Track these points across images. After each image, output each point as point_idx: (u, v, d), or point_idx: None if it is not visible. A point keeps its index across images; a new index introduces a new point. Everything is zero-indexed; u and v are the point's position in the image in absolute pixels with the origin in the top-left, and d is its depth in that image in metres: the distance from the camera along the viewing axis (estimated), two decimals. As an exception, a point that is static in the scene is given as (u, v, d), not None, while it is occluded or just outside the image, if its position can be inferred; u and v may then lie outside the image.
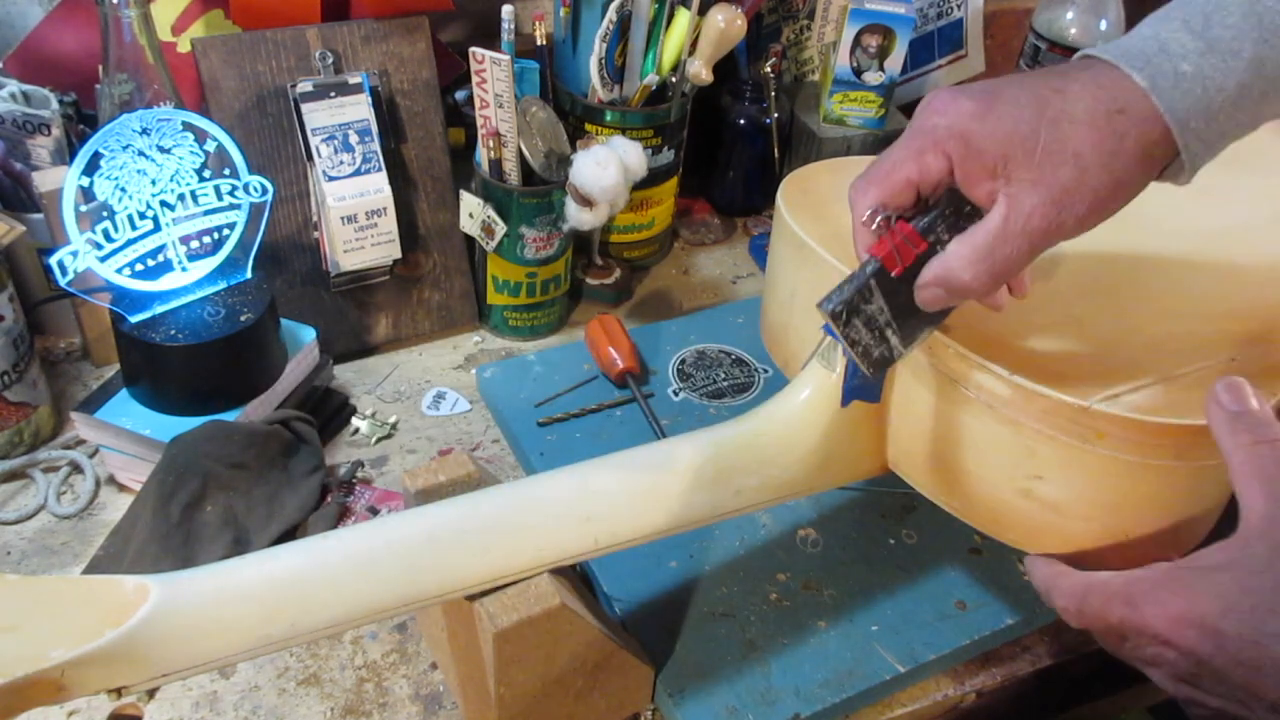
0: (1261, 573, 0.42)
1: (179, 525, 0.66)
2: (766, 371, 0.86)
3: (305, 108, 0.78)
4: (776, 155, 1.08)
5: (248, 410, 0.72)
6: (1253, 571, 0.43)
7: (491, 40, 0.82)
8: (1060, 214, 0.46)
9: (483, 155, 0.83)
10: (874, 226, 0.50)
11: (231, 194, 0.70)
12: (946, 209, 0.49)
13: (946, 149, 0.48)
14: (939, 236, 0.49)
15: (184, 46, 0.84)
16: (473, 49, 0.78)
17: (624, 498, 0.54)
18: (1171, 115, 0.45)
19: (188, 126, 0.67)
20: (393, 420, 0.82)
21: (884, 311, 0.50)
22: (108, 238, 0.65)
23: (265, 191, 0.71)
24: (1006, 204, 0.46)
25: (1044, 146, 0.45)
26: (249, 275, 0.73)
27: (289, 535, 0.70)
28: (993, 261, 0.47)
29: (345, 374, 0.86)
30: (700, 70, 0.88)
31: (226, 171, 0.70)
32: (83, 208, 0.64)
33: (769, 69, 1.04)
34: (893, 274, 0.50)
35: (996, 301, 0.52)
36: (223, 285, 0.72)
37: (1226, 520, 0.57)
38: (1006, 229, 0.46)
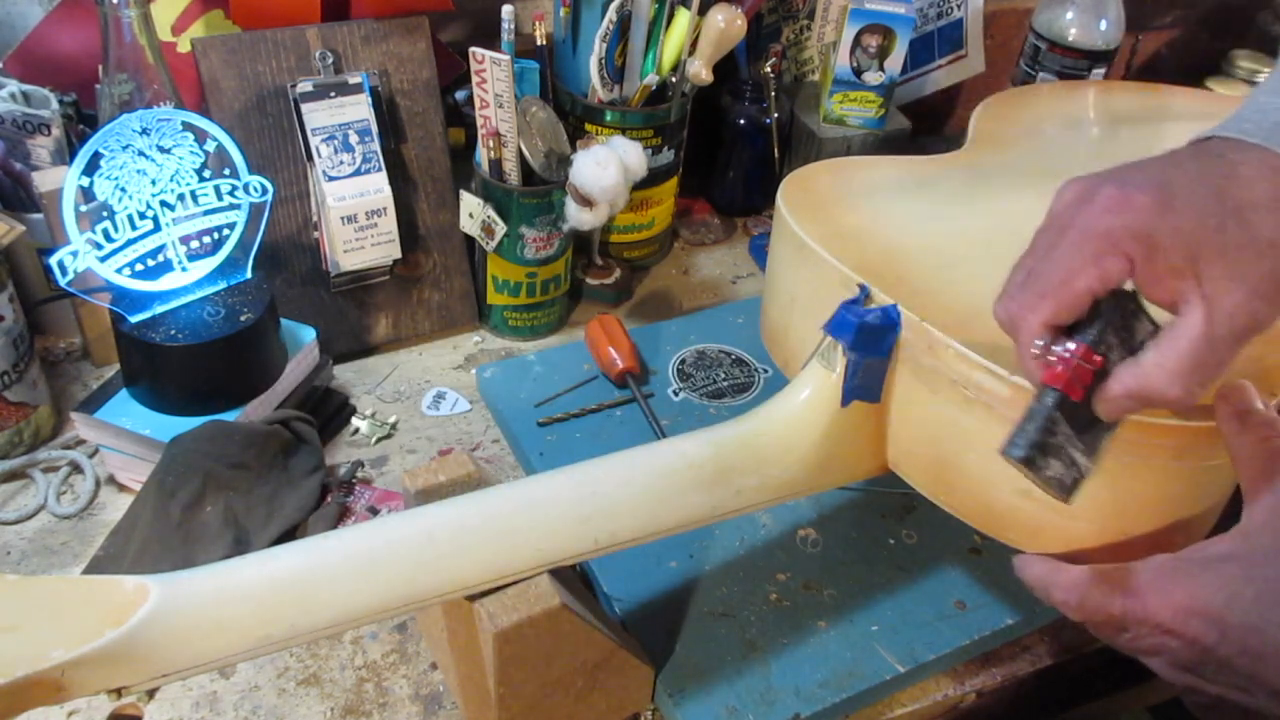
0: (1266, 563, 0.43)
1: (179, 525, 0.66)
2: (766, 371, 0.86)
3: (305, 108, 0.78)
4: (776, 155, 1.08)
5: (248, 410, 0.72)
6: (1256, 562, 0.43)
7: (491, 40, 0.82)
8: (1266, 306, 0.43)
9: (483, 155, 0.83)
10: (1052, 357, 0.46)
11: (231, 194, 0.70)
12: (1114, 315, 0.45)
13: (1128, 250, 0.44)
14: (1109, 344, 0.45)
15: (184, 46, 0.84)
16: (473, 49, 0.78)
17: (624, 498, 0.54)
18: None
19: (188, 126, 0.67)
20: (393, 420, 0.82)
21: (1070, 438, 0.46)
22: (108, 238, 0.65)
23: (265, 191, 0.71)
24: (1205, 306, 0.43)
25: (1234, 239, 0.42)
26: (249, 275, 0.73)
27: (289, 535, 0.70)
28: (1202, 371, 0.43)
29: (345, 374, 0.86)
30: (700, 70, 0.88)
31: (226, 171, 0.70)
32: (83, 208, 0.64)
33: (769, 69, 1.04)
34: (1075, 400, 0.45)
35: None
36: (223, 285, 0.72)
37: (1227, 519, 0.57)
38: (1212, 333, 0.42)
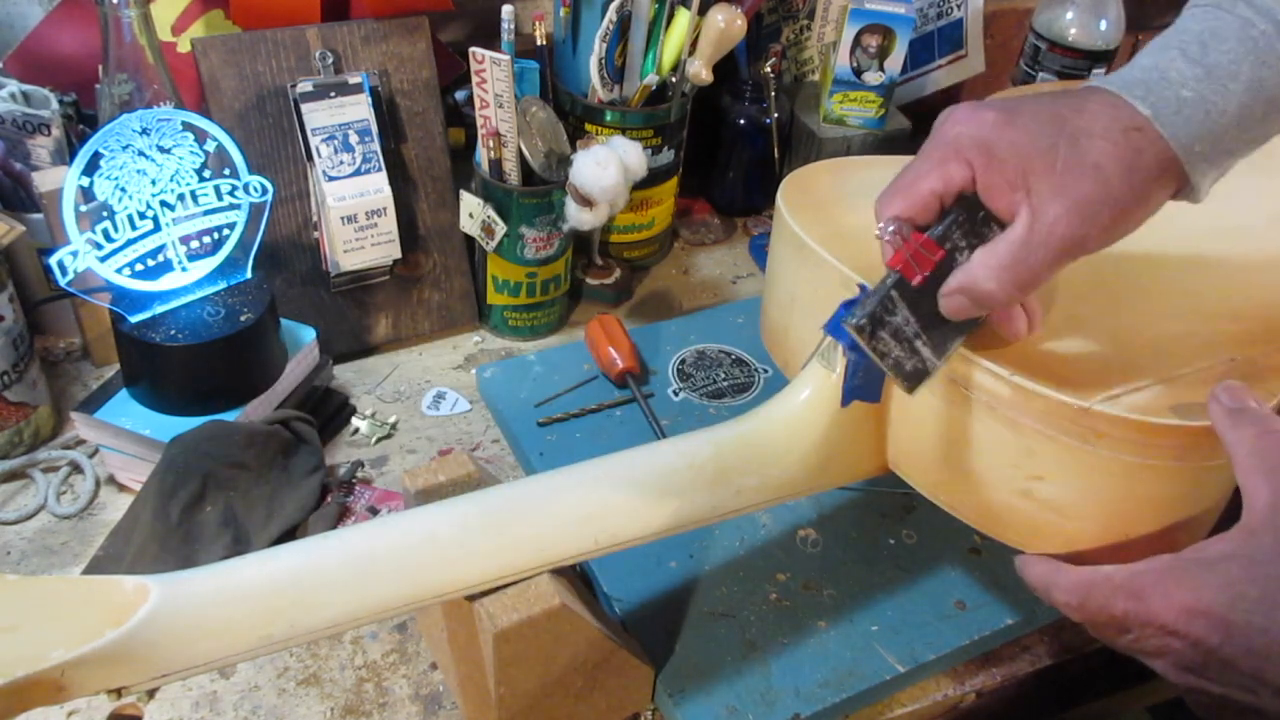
0: (1269, 562, 0.43)
1: (179, 525, 0.66)
2: (766, 371, 0.86)
3: (305, 108, 0.78)
4: (776, 155, 1.08)
5: (248, 410, 0.72)
6: (1259, 561, 0.43)
7: (491, 40, 0.82)
8: (1084, 224, 0.46)
9: (483, 155, 0.83)
10: (888, 238, 0.50)
11: (231, 194, 0.70)
12: (960, 216, 0.49)
13: (969, 157, 0.48)
14: (956, 244, 0.49)
15: (184, 46, 0.84)
16: (473, 49, 0.78)
17: (624, 497, 0.54)
18: (1176, 141, 0.46)
19: (188, 126, 0.67)
20: (393, 420, 0.82)
21: (910, 323, 0.50)
22: (108, 238, 0.65)
23: (265, 191, 0.71)
24: (1030, 213, 0.47)
25: (1064, 158, 0.46)
26: (249, 275, 0.73)
27: (289, 535, 0.70)
28: (1017, 270, 0.47)
29: (345, 374, 0.86)
30: (700, 70, 0.88)
31: (226, 171, 0.70)
32: (83, 208, 0.64)
33: (769, 69, 1.04)
34: (913, 283, 0.50)
35: (1016, 328, 0.52)
36: (223, 285, 0.72)
37: (1227, 519, 0.57)
38: (1031, 238, 0.47)
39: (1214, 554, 0.45)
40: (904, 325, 0.50)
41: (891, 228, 0.50)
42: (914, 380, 0.51)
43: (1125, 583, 0.46)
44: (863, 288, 0.57)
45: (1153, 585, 0.45)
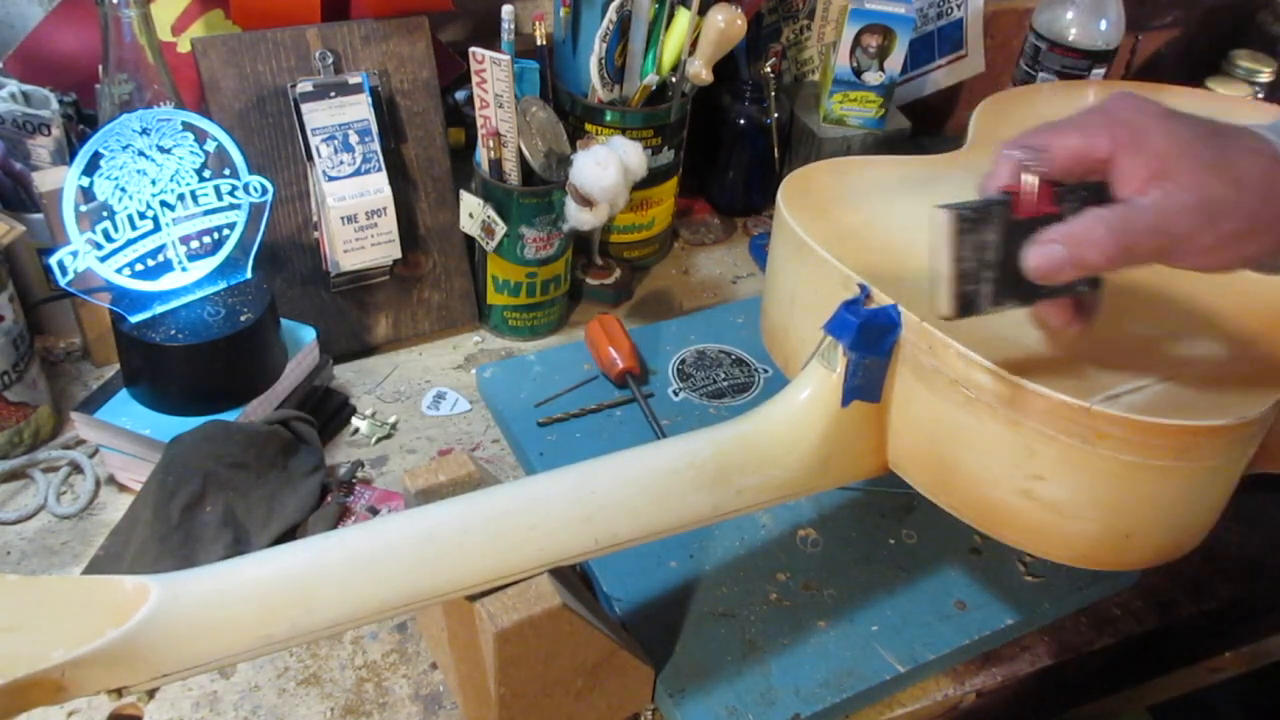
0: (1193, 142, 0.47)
1: (179, 525, 0.66)
2: (766, 371, 0.86)
3: (305, 108, 0.78)
4: (776, 155, 1.08)
5: (248, 410, 0.72)
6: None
7: (491, 40, 0.82)
8: (1205, 226, 0.46)
9: (483, 155, 0.83)
10: (1021, 158, 0.49)
11: (231, 194, 0.70)
12: (1084, 191, 0.49)
13: (1116, 134, 0.48)
14: (1068, 210, 0.48)
15: (184, 46, 0.84)
16: (473, 49, 0.78)
17: (624, 498, 0.54)
18: None
19: (188, 126, 0.67)
20: (393, 420, 0.82)
21: (992, 249, 0.48)
22: (108, 238, 0.65)
23: (265, 191, 0.71)
24: (1161, 194, 0.46)
25: (1212, 160, 0.46)
26: (249, 275, 0.73)
27: (289, 535, 0.70)
28: (1123, 239, 0.46)
29: (345, 374, 0.86)
30: (700, 70, 0.88)
31: (226, 171, 0.70)
32: (83, 208, 0.64)
33: (769, 69, 1.04)
34: (1016, 216, 0.48)
35: (1067, 316, 0.51)
36: (223, 285, 0.72)
37: (1226, 519, 0.57)
38: (1152, 217, 0.46)
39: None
40: (986, 246, 0.48)
41: (1022, 155, 0.49)
42: (962, 307, 0.49)
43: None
44: (863, 287, 0.57)
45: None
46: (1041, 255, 0.48)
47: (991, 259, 0.48)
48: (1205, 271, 0.49)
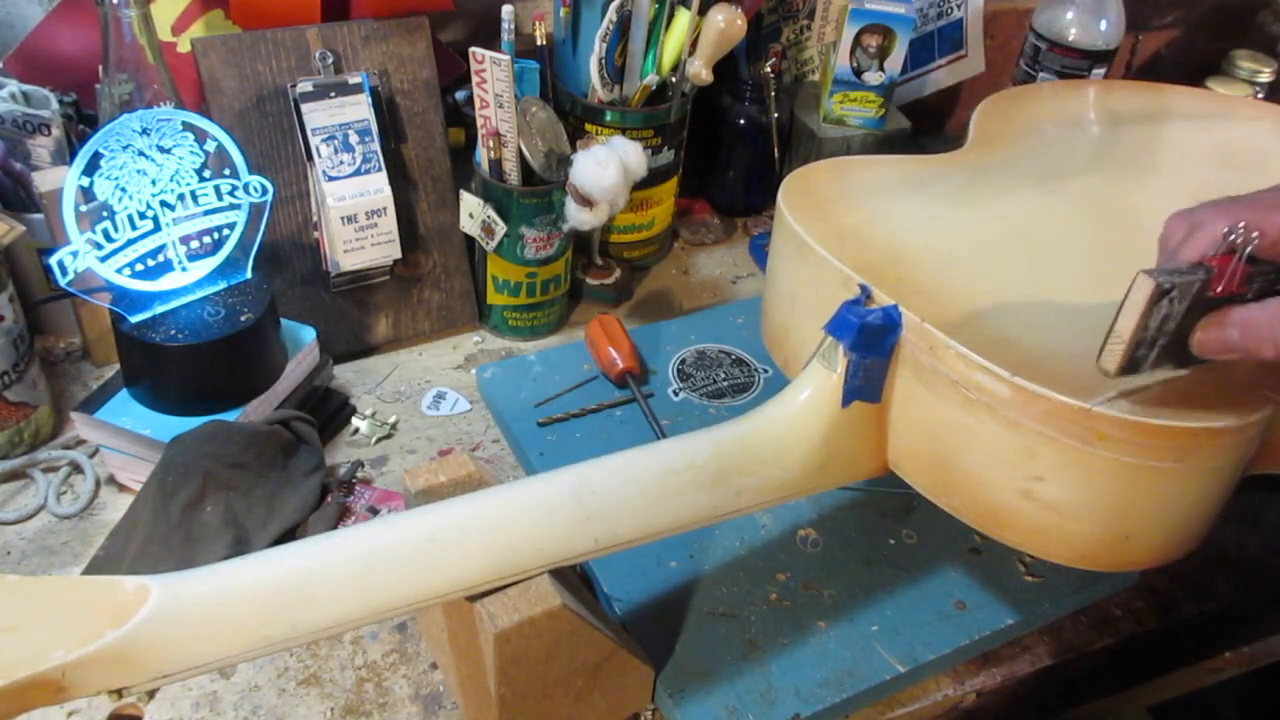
0: None
1: (179, 525, 0.66)
2: (766, 371, 0.86)
3: (305, 108, 0.78)
4: (776, 155, 1.08)
5: (248, 410, 0.72)
6: None
7: (491, 40, 0.82)
8: None
9: (483, 155, 0.83)
10: (1218, 238, 0.48)
11: (231, 194, 0.70)
12: (1275, 274, 0.48)
13: None
14: (1254, 290, 0.48)
15: (184, 46, 0.84)
16: (473, 49, 0.77)
17: (624, 498, 0.54)
18: None
19: (188, 126, 0.67)
20: (393, 420, 0.82)
21: (1174, 320, 0.48)
22: (108, 238, 0.65)
23: (265, 191, 0.71)
24: None
25: None
26: (249, 275, 0.73)
27: (289, 535, 0.70)
28: None
29: (345, 374, 0.86)
30: (700, 70, 0.88)
31: (226, 171, 0.70)
32: (83, 208, 0.64)
33: (769, 69, 1.04)
34: (1213, 293, 0.47)
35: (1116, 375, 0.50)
36: (223, 285, 0.72)
37: (1226, 519, 0.57)
38: None
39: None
40: (1169, 318, 0.47)
41: (1230, 230, 0.48)
42: (1127, 368, 0.48)
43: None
44: (863, 287, 0.57)
45: None
46: (1215, 340, 0.47)
47: (1170, 329, 0.48)
48: None
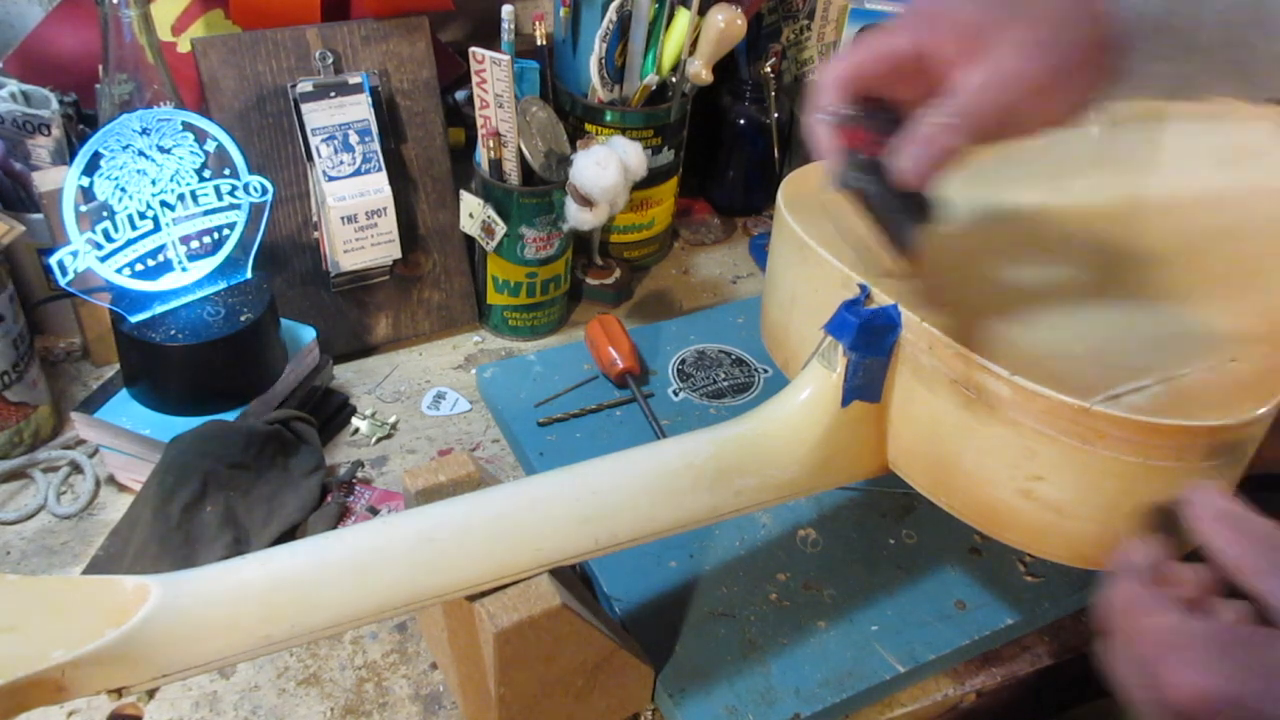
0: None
1: (179, 525, 0.66)
2: (766, 371, 0.86)
3: (305, 108, 0.78)
4: (776, 155, 1.08)
5: (248, 410, 0.72)
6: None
7: (491, 40, 0.82)
8: (1034, 67, 0.47)
9: (483, 155, 0.83)
10: (834, 120, 0.51)
11: (231, 194, 0.70)
12: (880, 114, 0.51)
13: (912, 27, 0.50)
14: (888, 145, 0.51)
15: (184, 46, 0.84)
16: (473, 49, 0.78)
17: (624, 498, 0.54)
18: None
19: (188, 126, 0.67)
20: (393, 420, 0.82)
21: (890, 196, 0.51)
22: (108, 238, 0.65)
23: (265, 191, 0.71)
24: (992, 63, 0.48)
25: (1018, 13, 0.48)
26: (249, 275, 0.73)
27: (289, 535, 0.70)
28: (966, 119, 0.48)
29: (345, 374, 0.86)
30: (700, 70, 0.88)
31: (226, 171, 0.70)
32: (83, 208, 0.64)
33: (769, 69, 1.04)
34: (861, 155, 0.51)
35: (919, 257, 0.53)
36: (223, 285, 0.72)
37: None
38: (984, 81, 0.48)
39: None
40: (885, 206, 0.52)
41: (829, 116, 0.52)
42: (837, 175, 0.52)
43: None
44: (863, 287, 0.57)
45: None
46: (910, 158, 0.50)
47: (897, 204, 0.51)
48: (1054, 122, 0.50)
